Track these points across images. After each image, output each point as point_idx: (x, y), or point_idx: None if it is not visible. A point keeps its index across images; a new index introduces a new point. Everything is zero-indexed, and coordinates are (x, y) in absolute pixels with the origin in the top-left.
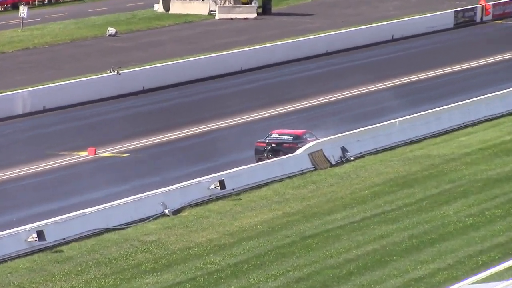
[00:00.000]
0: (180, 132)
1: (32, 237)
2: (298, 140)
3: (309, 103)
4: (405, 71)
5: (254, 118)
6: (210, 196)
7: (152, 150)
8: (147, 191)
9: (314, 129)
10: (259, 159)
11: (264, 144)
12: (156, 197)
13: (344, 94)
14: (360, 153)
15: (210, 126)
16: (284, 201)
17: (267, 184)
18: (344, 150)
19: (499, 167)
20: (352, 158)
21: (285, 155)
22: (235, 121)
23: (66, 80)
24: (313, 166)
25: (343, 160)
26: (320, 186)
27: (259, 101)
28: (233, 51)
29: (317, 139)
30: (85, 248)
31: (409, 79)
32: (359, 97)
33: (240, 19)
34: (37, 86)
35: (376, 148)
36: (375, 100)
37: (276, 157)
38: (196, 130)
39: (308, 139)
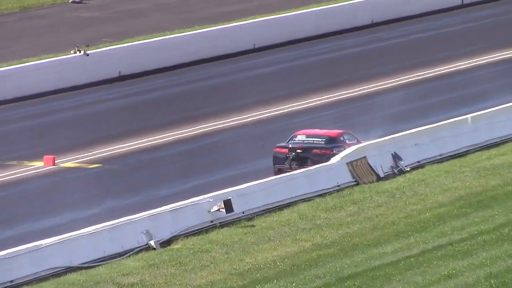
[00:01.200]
0: (169, 134)
1: None
2: (332, 144)
3: (348, 93)
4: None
5: (271, 114)
6: (212, 221)
7: (130, 159)
8: (125, 215)
9: (355, 128)
10: (279, 171)
11: (287, 150)
12: (137, 224)
13: (407, 77)
14: (419, 161)
15: (211, 126)
16: (313, 228)
17: (290, 205)
18: (396, 157)
19: None
20: (408, 169)
21: (314, 164)
22: (245, 118)
23: (14, 64)
24: (354, 180)
25: (395, 171)
26: (363, 208)
27: (279, 91)
28: (241, 22)
29: (359, 142)
30: None
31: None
32: (425, 82)
33: None
34: None
35: (440, 155)
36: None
37: (302, 167)
38: (191, 131)
39: (347, 142)
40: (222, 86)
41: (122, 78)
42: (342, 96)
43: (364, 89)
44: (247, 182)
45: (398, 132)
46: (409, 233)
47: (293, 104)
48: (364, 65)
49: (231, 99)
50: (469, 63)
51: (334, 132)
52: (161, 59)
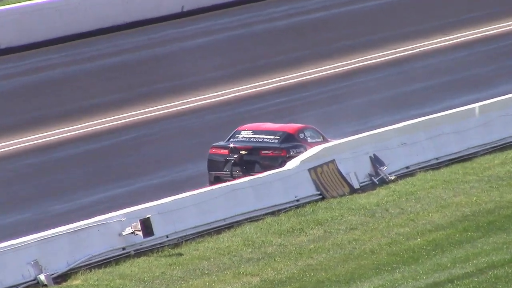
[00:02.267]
0: (68, 129)
1: None
2: (289, 144)
3: (312, 72)
4: None
5: (207, 101)
6: (124, 248)
7: (14, 163)
8: (6, 240)
9: (320, 121)
10: (217, 179)
11: (227, 152)
12: (23, 251)
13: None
14: (407, 167)
15: (125, 118)
16: (263, 259)
17: (231, 226)
18: (376, 161)
19: None
20: (392, 177)
21: (264, 171)
22: (171, 107)
23: None
24: (318, 192)
25: (375, 180)
26: (331, 230)
27: (217, 71)
28: None
29: (325, 141)
30: None
31: None
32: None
33: None
34: None
35: (437, 158)
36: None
37: (248, 174)
38: (98, 124)
39: (309, 141)
40: (138, 63)
41: (2, 52)
42: (303, 78)
43: (336, 66)
44: (173, 195)
45: (379, 127)
46: (394, 265)
47: (237, 88)
48: (336, 34)
49: (152, 81)
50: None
51: (291, 126)
52: (55, 27)
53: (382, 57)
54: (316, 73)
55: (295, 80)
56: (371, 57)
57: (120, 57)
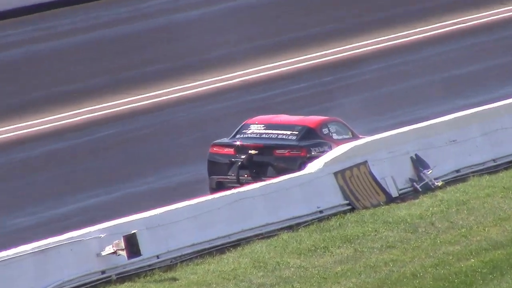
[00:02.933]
0: (20, 124)
1: None
2: (310, 141)
3: (337, 51)
4: None
5: (211, 86)
6: (103, 272)
7: None
8: None
9: (348, 114)
10: (219, 185)
11: (232, 151)
12: None
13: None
14: (458, 170)
15: (97, 110)
16: (278, 285)
17: (238, 243)
18: (419, 163)
19: None
20: (439, 183)
21: (279, 175)
22: (160, 95)
23: None
24: (346, 202)
25: (418, 187)
26: (363, 249)
27: (226, 49)
28: None
29: (355, 137)
30: None
31: None
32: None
33: None
34: None
35: (494, 160)
36: None
37: (259, 180)
38: (60, 119)
39: (335, 137)
40: (120, 40)
41: None
42: (327, 58)
43: (368, 44)
44: (165, 205)
45: (422, 121)
46: None
47: (244, 71)
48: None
49: (137, 63)
50: None
51: (312, 119)
52: None
53: (426, 32)
54: (344, 52)
55: (315, 61)
56: (412, 32)
57: (96, 33)
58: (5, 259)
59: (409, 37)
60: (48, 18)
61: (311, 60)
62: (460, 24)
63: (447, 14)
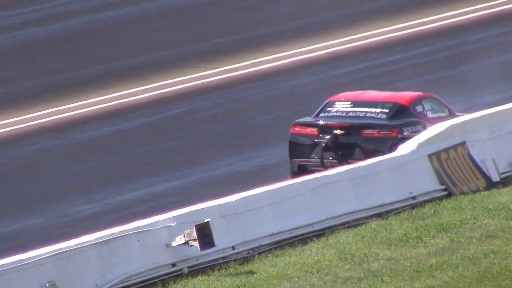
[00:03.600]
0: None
1: None
2: (402, 120)
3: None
4: None
5: (298, 59)
6: (173, 265)
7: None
8: (6, 255)
9: (445, 89)
10: (301, 169)
11: (315, 131)
12: (33, 270)
13: None
14: None
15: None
16: (366, 278)
17: (321, 232)
18: None
19: None
20: None
21: (368, 157)
22: (243, 68)
23: None
24: (442, 187)
25: None
26: (460, 239)
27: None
28: None
29: (452, 115)
30: None
31: None
32: None
33: None
34: None
35: None
36: None
37: (346, 162)
38: (129, 95)
39: (429, 116)
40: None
41: None
42: (424, 26)
43: (473, 10)
44: (242, 191)
45: None
46: None
47: (332, 42)
48: None
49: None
50: None
51: (405, 96)
52: None
53: None
54: (446, 20)
55: (410, 31)
56: None
57: (163, 1)
58: (67, 251)
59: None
60: (14, 5)
61: (404, 30)
62: None
63: None
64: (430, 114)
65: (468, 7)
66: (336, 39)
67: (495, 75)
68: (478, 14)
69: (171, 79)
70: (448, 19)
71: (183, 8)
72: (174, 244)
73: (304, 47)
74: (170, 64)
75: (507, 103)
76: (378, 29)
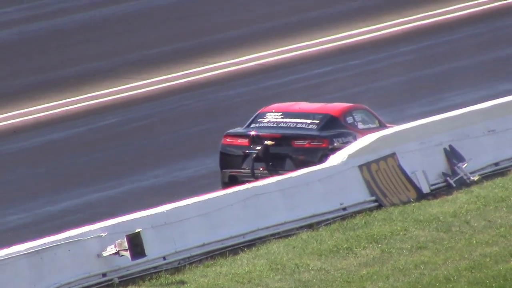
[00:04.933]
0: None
1: None
2: (332, 130)
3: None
4: None
5: (223, 71)
6: (104, 275)
7: None
8: None
9: (373, 100)
10: (232, 180)
11: (246, 142)
12: None
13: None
14: (496, 163)
15: (95, 98)
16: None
17: (252, 243)
18: (454, 155)
19: None
20: (475, 177)
21: (298, 168)
22: (168, 80)
23: None
24: (373, 198)
25: (451, 182)
26: (390, 250)
27: (239, 28)
28: None
29: (382, 126)
30: None
31: None
32: None
33: None
34: None
35: None
36: None
37: (276, 173)
38: (52, 107)
39: (360, 127)
40: (121, 18)
41: None
42: (351, 40)
43: (396, 23)
44: (172, 201)
45: (457, 108)
46: None
47: (260, 54)
48: None
49: (141, 44)
50: None
51: (335, 107)
52: None
53: (460, 10)
54: (372, 32)
55: (340, 42)
56: (444, 11)
57: (96, 11)
58: None
59: (441, 16)
60: None
61: (335, 42)
62: (500, 1)
63: None
64: (360, 125)
65: (392, 20)
66: (267, 51)
67: (423, 87)
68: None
69: (103, 89)
70: (373, 32)
71: (114, 18)
72: (105, 254)
73: (235, 59)
74: (102, 75)
75: (436, 114)
76: (307, 41)
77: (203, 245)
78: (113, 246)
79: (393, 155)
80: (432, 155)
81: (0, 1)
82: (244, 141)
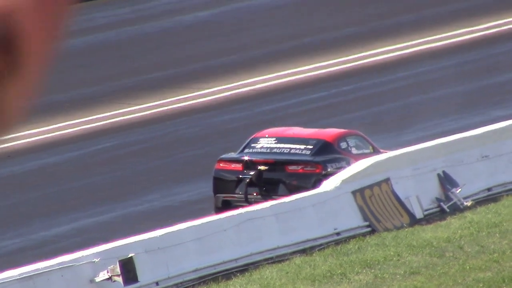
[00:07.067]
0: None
1: None
2: (325, 156)
3: (354, 59)
4: None
5: (217, 96)
6: None
7: None
8: None
9: (369, 127)
10: (225, 204)
11: (240, 167)
12: None
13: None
14: (489, 189)
15: (88, 123)
16: None
17: (245, 268)
18: (447, 181)
19: None
20: (468, 203)
21: (292, 193)
22: (161, 105)
23: None
24: (366, 223)
25: (445, 207)
26: (384, 276)
27: (233, 55)
28: None
29: (376, 152)
30: None
31: None
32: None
33: None
34: None
35: None
36: None
37: (269, 198)
38: (45, 132)
39: (354, 152)
40: (114, 44)
41: None
42: (343, 66)
43: (392, 49)
44: (165, 226)
45: (451, 134)
46: None
47: (254, 79)
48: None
49: (134, 69)
50: None
51: (329, 132)
52: None
53: (457, 37)
54: (367, 58)
55: (334, 68)
56: (441, 37)
57: (91, 37)
58: None
59: (438, 42)
60: None
61: (329, 67)
62: (501, 26)
63: (483, 16)
64: (354, 151)
65: (387, 46)
66: (261, 76)
67: (417, 113)
68: (400, 53)
69: (96, 114)
70: (368, 58)
71: (107, 44)
72: (97, 279)
73: (230, 84)
74: (96, 99)
75: (430, 140)
76: (303, 66)
77: (196, 270)
78: (105, 271)
79: (387, 180)
80: (425, 180)
81: None
82: (238, 166)
